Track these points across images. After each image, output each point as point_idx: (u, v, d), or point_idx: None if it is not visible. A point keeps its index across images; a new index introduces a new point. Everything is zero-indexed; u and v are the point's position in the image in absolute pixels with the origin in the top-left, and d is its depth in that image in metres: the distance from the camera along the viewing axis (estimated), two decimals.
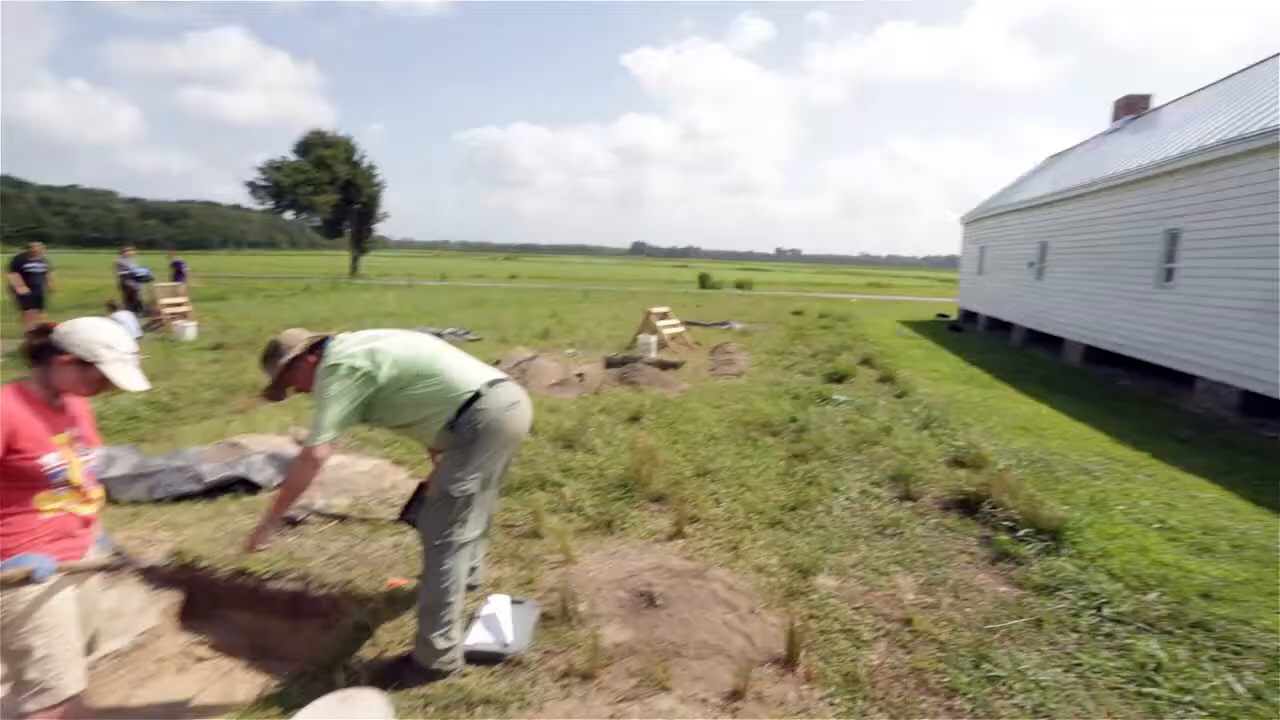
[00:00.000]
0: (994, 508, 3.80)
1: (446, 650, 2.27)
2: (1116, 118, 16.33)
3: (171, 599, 2.93)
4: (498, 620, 2.48)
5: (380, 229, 41.50)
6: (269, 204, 36.00)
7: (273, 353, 2.36)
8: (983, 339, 15.29)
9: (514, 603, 2.62)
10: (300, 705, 2.13)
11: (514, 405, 2.35)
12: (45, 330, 1.86)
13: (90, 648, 2.07)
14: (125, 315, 10.47)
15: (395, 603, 2.72)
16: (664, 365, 8.66)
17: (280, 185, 34.61)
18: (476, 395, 2.26)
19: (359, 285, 28.41)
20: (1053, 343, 12.68)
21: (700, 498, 3.93)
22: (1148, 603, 2.87)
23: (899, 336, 14.57)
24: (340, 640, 2.51)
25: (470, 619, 2.51)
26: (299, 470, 2.18)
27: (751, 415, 6.01)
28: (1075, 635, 2.65)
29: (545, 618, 2.64)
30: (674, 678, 2.29)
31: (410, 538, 3.25)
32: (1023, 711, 2.20)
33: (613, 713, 2.13)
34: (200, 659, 2.79)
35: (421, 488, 2.54)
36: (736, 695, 2.21)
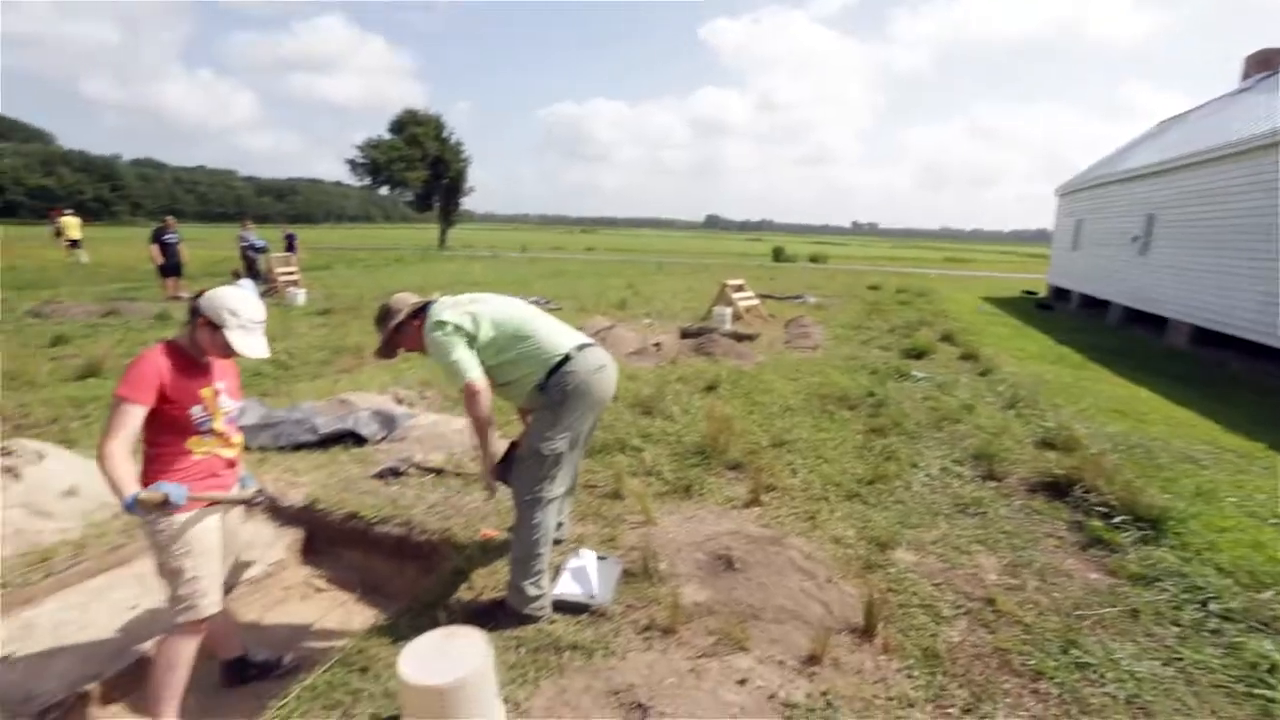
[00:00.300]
0: (1086, 492, 3.63)
1: (537, 598, 2.44)
2: (1247, 75, 14.45)
3: (295, 535, 3.27)
4: (585, 573, 2.63)
5: (466, 203, 42.58)
6: (366, 180, 37.57)
7: (383, 316, 2.55)
8: (1075, 318, 14.29)
9: (599, 558, 2.77)
10: (407, 637, 2.34)
11: (601, 369, 2.45)
12: (199, 294, 2.07)
13: (239, 571, 2.35)
14: (246, 283, 11.42)
15: (488, 551, 2.93)
16: (739, 337, 8.62)
17: (376, 162, 36.08)
18: (566, 358, 2.37)
19: (446, 256, 29.48)
20: (1154, 323, 11.71)
21: (776, 468, 3.96)
22: (1262, 601, 2.70)
23: (981, 313, 13.83)
24: (440, 583, 2.73)
25: (558, 571, 2.67)
26: (471, 407, 2.37)
27: (828, 388, 5.94)
28: (1176, 629, 2.53)
29: (627, 574, 2.77)
30: (752, 639, 2.36)
31: (501, 493, 3.46)
32: (1115, 701, 2.14)
33: (692, 667, 2.23)
34: (319, 590, 3.11)
35: (513, 446, 2.70)
36: (813, 660, 2.27)
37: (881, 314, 12.01)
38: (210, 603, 2.08)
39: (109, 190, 76.63)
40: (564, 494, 2.62)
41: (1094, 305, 14.95)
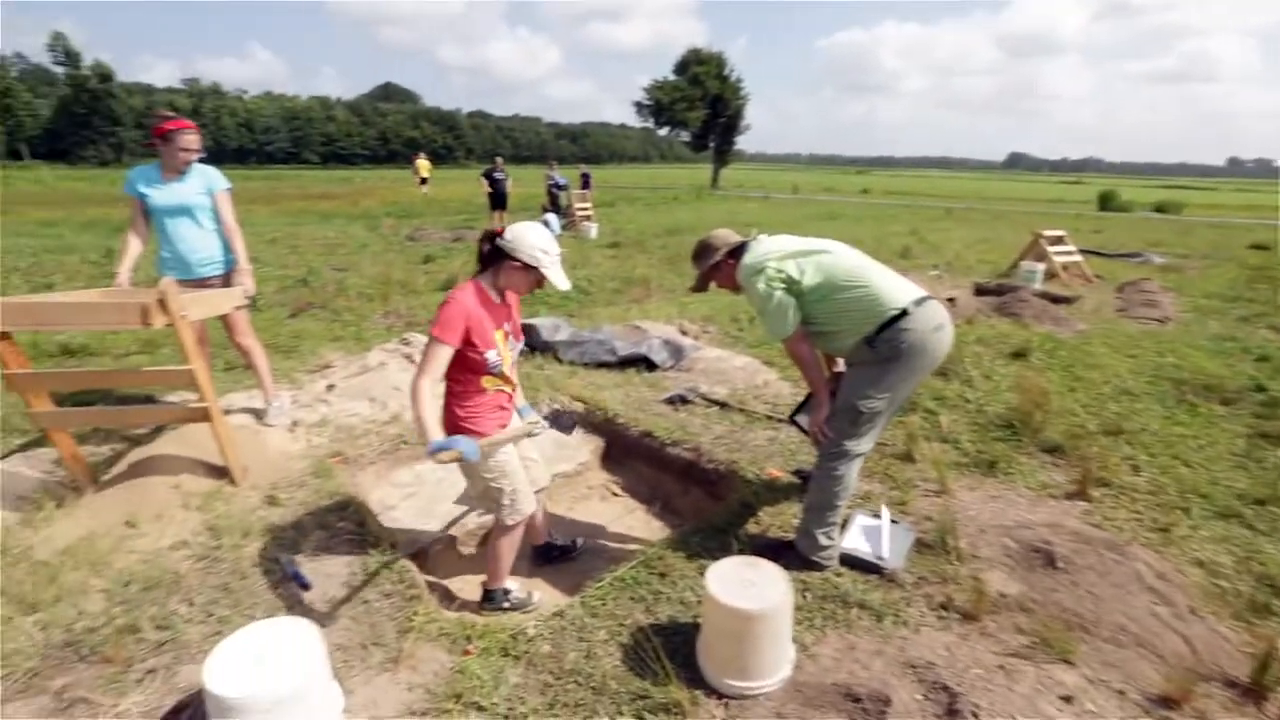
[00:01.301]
0: None
1: (827, 547, 2.39)
2: None
3: (597, 443, 3.71)
4: (878, 533, 2.51)
5: (737, 142, 42.52)
6: (650, 121, 39.60)
7: (700, 253, 2.57)
8: None
9: (892, 521, 2.61)
10: (698, 555, 2.51)
11: (940, 328, 2.21)
12: (492, 236, 2.18)
13: (540, 480, 2.63)
14: (551, 217, 13.21)
15: (774, 490, 2.96)
16: (1054, 299, 7.28)
17: (660, 103, 37.80)
18: (903, 313, 2.18)
19: (719, 196, 29.99)
20: None
21: (1111, 460, 3.28)
22: None
23: None
24: (728, 511, 2.85)
25: (846, 523, 2.58)
26: (795, 357, 2.45)
27: (1186, 372, 4.71)
28: None
29: (920, 544, 2.57)
30: (1078, 654, 2.03)
31: (784, 435, 3.46)
32: None
33: (1001, 664, 2.00)
34: (615, 494, 3.49)
35: (809, 396, 2.62)
36: (1168, 703, 1.86)
37: (1273, 282, 9.06)
38: (526, 505, 2.36)
39: (452, 138, 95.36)
40: (871, 451, 2.49)
41: None
